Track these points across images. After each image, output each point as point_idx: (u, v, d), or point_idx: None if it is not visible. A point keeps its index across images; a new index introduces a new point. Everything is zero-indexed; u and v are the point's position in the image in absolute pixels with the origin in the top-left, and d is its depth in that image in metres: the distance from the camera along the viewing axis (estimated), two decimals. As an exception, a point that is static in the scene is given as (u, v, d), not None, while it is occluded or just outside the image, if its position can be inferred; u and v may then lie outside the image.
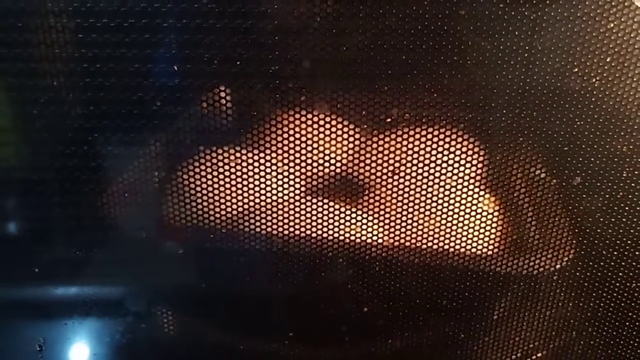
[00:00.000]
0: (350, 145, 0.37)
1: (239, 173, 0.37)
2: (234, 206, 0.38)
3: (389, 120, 0.36)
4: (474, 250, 0.42)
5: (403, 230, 0.40)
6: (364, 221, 0.40)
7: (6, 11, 0.33)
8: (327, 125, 0.36)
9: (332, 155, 0.38)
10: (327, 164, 0.38)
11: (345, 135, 0.37)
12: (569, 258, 0.42)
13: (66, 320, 0.41)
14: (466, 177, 0.38)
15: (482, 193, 0.39)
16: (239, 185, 0.38)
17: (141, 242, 0.40)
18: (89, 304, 0.41)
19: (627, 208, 0.40)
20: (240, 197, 0.38)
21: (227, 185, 0.38)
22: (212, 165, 0.38)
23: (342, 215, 0.39)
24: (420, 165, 0.37)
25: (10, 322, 0.41)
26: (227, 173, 0.37)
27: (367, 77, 0.35)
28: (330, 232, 0.39)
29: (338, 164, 0.38)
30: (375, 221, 0.40)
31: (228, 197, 0.38)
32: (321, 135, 0.38)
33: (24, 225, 0.39)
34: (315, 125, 0.36)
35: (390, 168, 0.37)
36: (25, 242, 0.39)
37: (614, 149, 0.38)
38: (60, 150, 0.37)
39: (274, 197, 0.39)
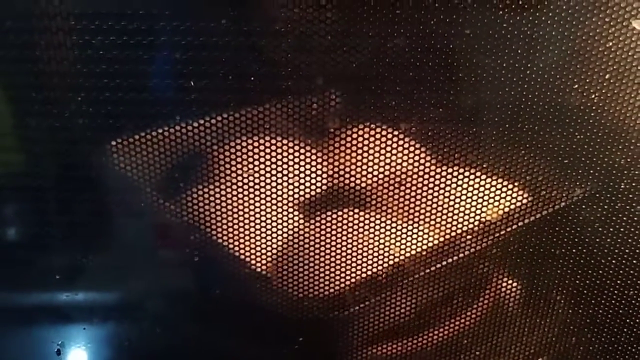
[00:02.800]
0: (359, 158, 0.38)
1: (251, 184, 0.39)
2: (245, 218, 0.40)
3: (396, 133, 0.37)
4: (479, 253, 0.43)
5: (410, 238, 0.41)
6: (371, 230, 0.41)
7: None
8: (337, 139, 0.38)
9: (341, 167, 0.39)
10: (336, 176, 0.39)
11: (354, 148, 0.38)
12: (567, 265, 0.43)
13: (85, 325, 0.42)
14: (471, 188, 0.39)
15: (486, 202, 0.40)
16: (252, 197, 0.39)
17: (156, 248, 0.41)
18: (107, 308, 0.42)
19: (625, 218, 0.41)
20: (252, 209, 0.39)
21: (238, 197, 0.39)
22: (221, 177, 0.39)
23: (350, 225, 0.40)
24: (427, 177, 0.39)
25: (30, 327, 0.43)
26: (237, 184, 0.38)
27: (375, 93, 0.37)
28: (340, 241, 0.41)
29: (347, 176, 0.40)
30: (382, 230, 0.41)
31: (239, 209, 0.39)
32: (331, 148, 0.39)
33: (47, 232, 0.40)
34: (325, 139, 0.38)
35: (398, 180, 0.39)
36: (47, 249, 0.40)
37: (613, 162, 0.40)
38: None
39: (284, 210, 0.40)
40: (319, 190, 0.39)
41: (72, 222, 0.40)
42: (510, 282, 0.46)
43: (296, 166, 0.38)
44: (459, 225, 0.41)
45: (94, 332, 0.42)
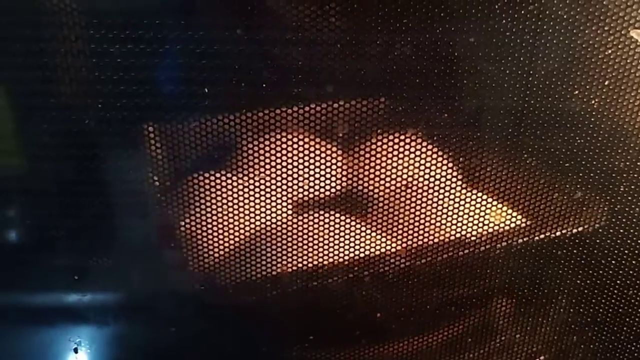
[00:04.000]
0: (367, 162, 0.39)
1: (259, 185, 0.40)
2: (249, 218, 0.41)
3: (403, 138, 0.39)
4: (479, 258, 0.44)
5: (414, 241, 0.42)
6: (379, 233, 0.42)
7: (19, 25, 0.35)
8: (346, 144, 0.39)
9: (350, 171, 0.40)
10: (345, 179, 0.41)
11: (363, 152, 0.39)
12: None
13: (100, 324, 0.43)
14: (475, 191, 0.41)
15: (489, 205, 0.42)
16: (255, 197, 0.40)
17: (168, 249, 0.43)
18: (122, 308, 0.43)
19: (624, 220, 0.43)
20: (255, 208, 0.40)
21: (241, 197, 0.40)
22: (234, 180, 0.40)
23: (358, 227, 0.41)
24: (432, 179, 0.40)
25: (49, 326, 0.44)
26: (239, 187, 0.39)
27: (384, 99, 0.38)
28: (345, 244, 0.42)
29: (355, 179, 0.41)
30: (389, 232, 0.42)
31: (242, 209, 0.40)
32: (340, 152, 0.41)
33: (70, 235, 0.41)
34: (335, 144, 0.39)
35: (404, 182, 0.40)
36: (67, 251, 0.41)
37: (612, 165, 0.41)
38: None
39: (291, 210, 0.41)
40: (325, 192, 0.40)
41: (88, 225, 0.41)
42: (511, 282, 0.47)
43: (305, 169, 0.39)
44: (459, 228, 0.42)
45: (109, 331, 0.43)
